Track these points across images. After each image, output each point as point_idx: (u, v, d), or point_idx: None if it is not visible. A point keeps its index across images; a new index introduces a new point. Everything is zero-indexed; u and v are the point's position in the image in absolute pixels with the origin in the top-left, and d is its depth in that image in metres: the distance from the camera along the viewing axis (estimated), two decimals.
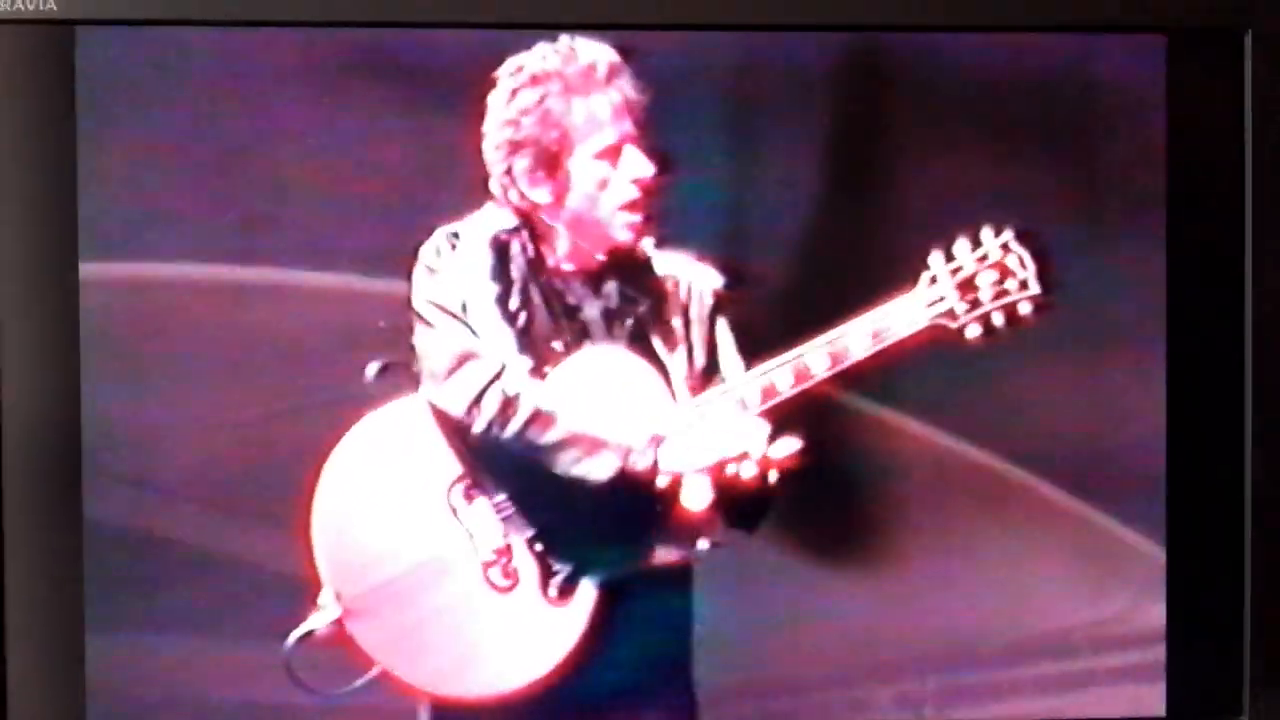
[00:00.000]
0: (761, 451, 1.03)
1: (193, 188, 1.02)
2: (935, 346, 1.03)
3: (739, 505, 1.04)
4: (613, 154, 1.03)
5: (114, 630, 1.02)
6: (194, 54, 1.02)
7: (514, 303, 1.04)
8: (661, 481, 1.03)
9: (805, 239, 1.04)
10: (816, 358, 1.02)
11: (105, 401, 1.01)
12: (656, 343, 1.05)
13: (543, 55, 1.02)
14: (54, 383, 1.01)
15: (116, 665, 1.02)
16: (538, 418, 1.03)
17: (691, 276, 1.04)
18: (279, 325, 1.02)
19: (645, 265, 1.04)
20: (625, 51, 1.02)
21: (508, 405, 1.03)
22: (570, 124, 1.02)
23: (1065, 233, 1.05)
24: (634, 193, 1.03)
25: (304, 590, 1.03)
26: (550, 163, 1.02)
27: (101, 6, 1.01)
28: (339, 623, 1.03)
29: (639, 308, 1.05)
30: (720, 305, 1.05)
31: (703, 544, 1.04)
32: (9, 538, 1.01)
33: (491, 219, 1.03)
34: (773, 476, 1.04)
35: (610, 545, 1.05)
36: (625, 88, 1.02)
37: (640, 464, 1.03)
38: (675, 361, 1.05)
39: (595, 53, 1.02)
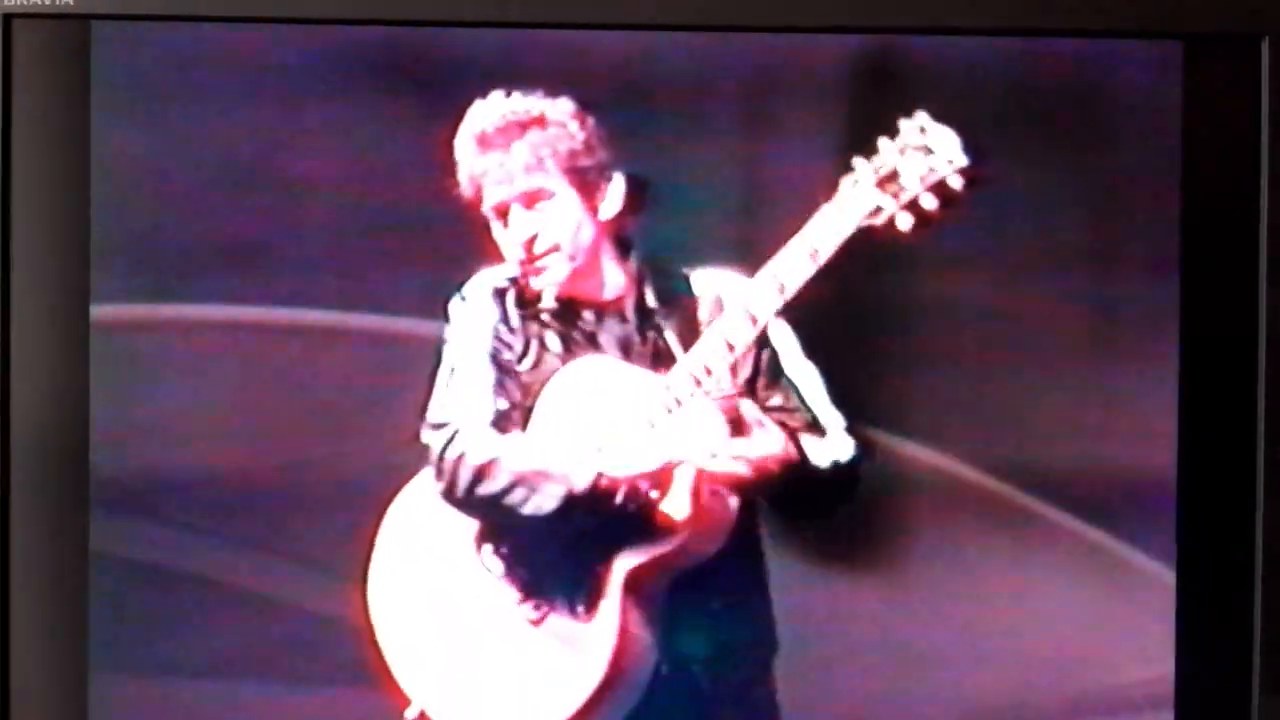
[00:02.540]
0: (715, 450, 1.03)
1: (207, 198, 1.02)
2: (873, 250, 1.01)
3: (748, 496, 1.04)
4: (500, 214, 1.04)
5: (118, 669, 1.03)
6: (213, 51, 1.02)
7: (514, 350, 1.05)
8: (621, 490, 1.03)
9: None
10: (762, 297, 1.01)
11: (116, 429, 1.02)
12: (676, 352, 1.05)
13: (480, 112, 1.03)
14: (63, 406, 1.02)
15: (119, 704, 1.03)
16: (483, 471, 1.04)
17: (734, 291, 1.04)
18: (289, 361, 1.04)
19: (675, 284, 1.05)
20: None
21: (456, 466, 1.04)
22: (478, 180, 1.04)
23: (1078, 238, 1.04)
24: (521, 252, 1.04)
25: (329, 633, 1.04)
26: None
27: (118, 2, 1.01)
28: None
29: (660, 329, 1.05)
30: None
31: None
32: (15, 571, 1.02)
33: (493, 271, 1.05)
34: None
35: (620, 550, 1.04)
36: (533, 141, 1.03)
37: (580, 483, 1.03)
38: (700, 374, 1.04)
39: (507, 105, 1.03)
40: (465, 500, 1.04)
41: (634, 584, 1.04)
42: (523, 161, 1.03)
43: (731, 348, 1.03)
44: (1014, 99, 1.04)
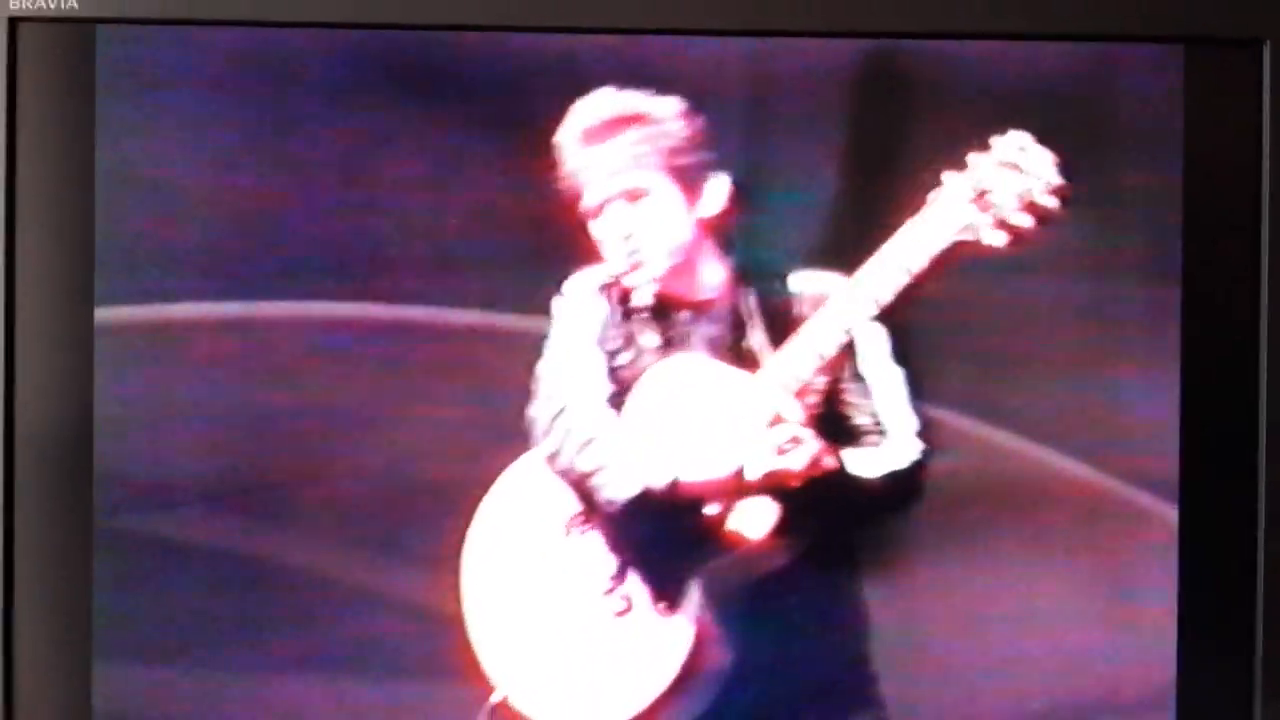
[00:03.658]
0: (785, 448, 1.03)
1: (211, 201, 1.03)
2: (964, 265, 1.01)
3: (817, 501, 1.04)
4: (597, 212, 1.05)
5: (122, 658, 1.03)
6: (217, 54, 1.03)
7: (612, 340, 1.06)
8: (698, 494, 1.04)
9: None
10: (854, 308, 1.01)
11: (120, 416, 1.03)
12: (765, 356, 1.04)
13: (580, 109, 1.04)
14: (68, 391, 1.02)
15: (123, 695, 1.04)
16: (585, 445, 1.05)
17: (829, 296, 1.03)
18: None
19: (772, 285, 1.05)
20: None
21: (566, 437, 1.05)
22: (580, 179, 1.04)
23: (1079, 241, 1.04)
24: (619, 248, 1.04)
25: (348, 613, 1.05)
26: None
27: (124, 5, 1.02)
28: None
29: (755, 326, 1.05)
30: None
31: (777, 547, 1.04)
32: (19, 567, 1.02)
33: (594, 271, 1.05)
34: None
35: (701, 551, 1.04)
36: (636, 137, 1.03)
37: (657, 480, 1.03)
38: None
39: (606, 104, 1.03)
40: (567, 473, 1.05)
41: (714, 585, 1.04)
42: (624, 157, 1.04)
43: (822, 357, 1.03)
44: (1016, 102, 1.04)
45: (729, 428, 1.03)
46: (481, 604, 1.06)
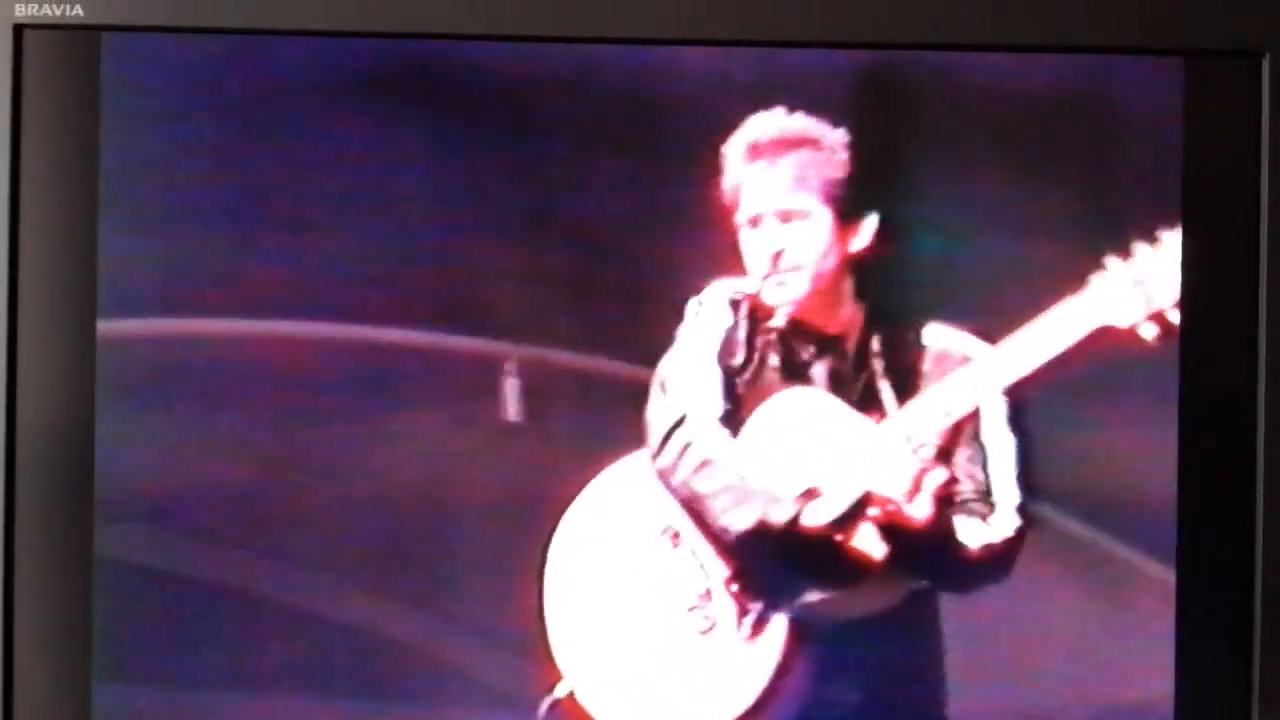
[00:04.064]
0: (906, 493, 1.04)
1: (219, 212, 1.03)
2: (1107, 350, 1.03)
3: (919, 554, 1.05)
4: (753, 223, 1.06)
5: (122, 680, 1.03)
6: (225, 63, 1.03)
7: (736, 355, 1.06)
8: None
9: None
10: (992, 374, 1.03)
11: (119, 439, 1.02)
12: (887, 401, 1.05)
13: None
14: (70, 418, 1.02)
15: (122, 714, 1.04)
16: (703, 466, 1.06)
17: (964, 351, 1.05)
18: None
19: (903, 330, 1.06)
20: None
21: (683, 452, 1.06)
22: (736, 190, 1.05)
23: (1079, 254, 1.04)
24: (765, 265, 1.06)
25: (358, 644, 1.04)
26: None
27: (130, 12, 1.02)
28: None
29: (879, 371, 1.06)
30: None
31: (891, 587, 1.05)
32: (19, 582, 1.02)
33: (733, 283, 1.06)
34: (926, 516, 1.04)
35: (798, 584, 1.06)
36: (802, 160, 1.05)
37: (777, 517, 1.05)
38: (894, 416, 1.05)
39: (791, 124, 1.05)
40: (678, 488, 1.06)
41: (803, 621, 1.06)
42: (788, 177, 1.05)
43: (949, 415, 1.04)
44: (1015, 115, 1.04)
45: (852, 472, 1.04)
46: (559, 600, 1.06)
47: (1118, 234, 1.05)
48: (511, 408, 1.05)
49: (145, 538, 1.03)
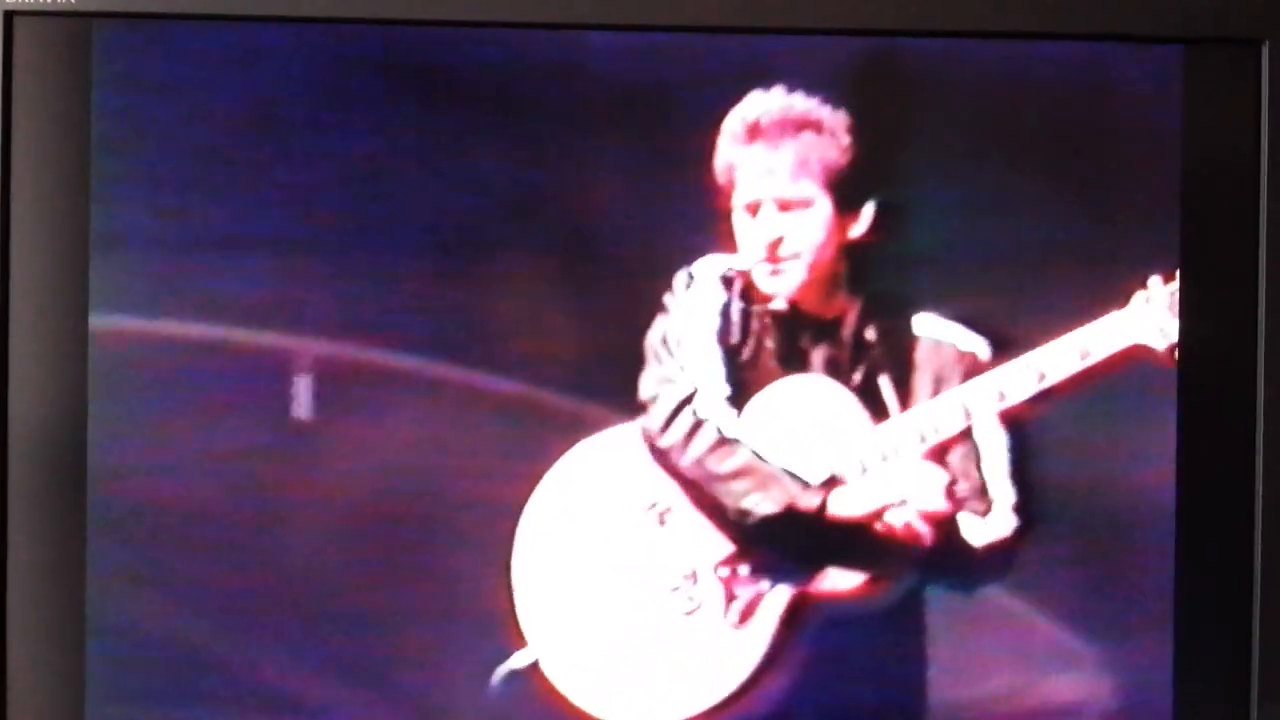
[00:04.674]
0: (928, 499, 1.04)
1: (211, 202, 1.02)
2: (1135, 367, 1.04)
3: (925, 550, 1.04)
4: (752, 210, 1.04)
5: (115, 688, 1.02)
6: (217, 50, 1.02)
7: (734, 337, 1.05)
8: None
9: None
10: (1019, 379, 1.03)
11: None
12: (885, 391, 1.05)
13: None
14: (62, 416, 1.02)
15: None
16: (720, 445, 1.04)
17: (955, 342, 1.04)
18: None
19: (897, 319, 1.05)
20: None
21: (694, 430, 1.04)
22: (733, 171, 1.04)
23: (1075, 242, 1.04)
24: (762, 252, 1.04)
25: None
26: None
27: None
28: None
29: (871, 356, 1.05)
30: (977, 368, 1.04)
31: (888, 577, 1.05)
32: (12, 585, 1.02)
33: (723, 259, 1.04)
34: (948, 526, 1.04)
35: (794, 572, 1.05)
36: (804, 144, 1.03)
37: (806, 504, 1.03)
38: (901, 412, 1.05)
39: (787, 102, 1.03)
40: (690, 466, 1.04)
41: (796, 612, 1.04)
42: (790, 162, 1.03)
43: (969, 415, 1.03)
44: (1014, 102, 1.04)
45: (880, 467, 1.04)
46: (530, 574, 1.04)
47: (1116, 222, 1.05)
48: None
49: (138, 533, 1.02)
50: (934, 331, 1.05)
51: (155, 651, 1.02)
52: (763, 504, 1.04)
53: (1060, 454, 1.05)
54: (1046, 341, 1.04)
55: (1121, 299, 1.04)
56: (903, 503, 1.04)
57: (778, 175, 1.03)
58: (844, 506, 1.04)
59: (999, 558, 1.05)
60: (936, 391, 1.04)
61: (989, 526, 1.05)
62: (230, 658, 1.03)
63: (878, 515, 1.04)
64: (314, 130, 1.02)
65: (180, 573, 1.02)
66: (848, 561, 1.04)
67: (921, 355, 1.04)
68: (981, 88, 1.04)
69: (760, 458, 1.04)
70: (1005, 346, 1.04)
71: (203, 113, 1.02)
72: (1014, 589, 1.05)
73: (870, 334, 1.05)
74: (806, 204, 1.04)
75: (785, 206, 1.04)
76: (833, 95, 1.03)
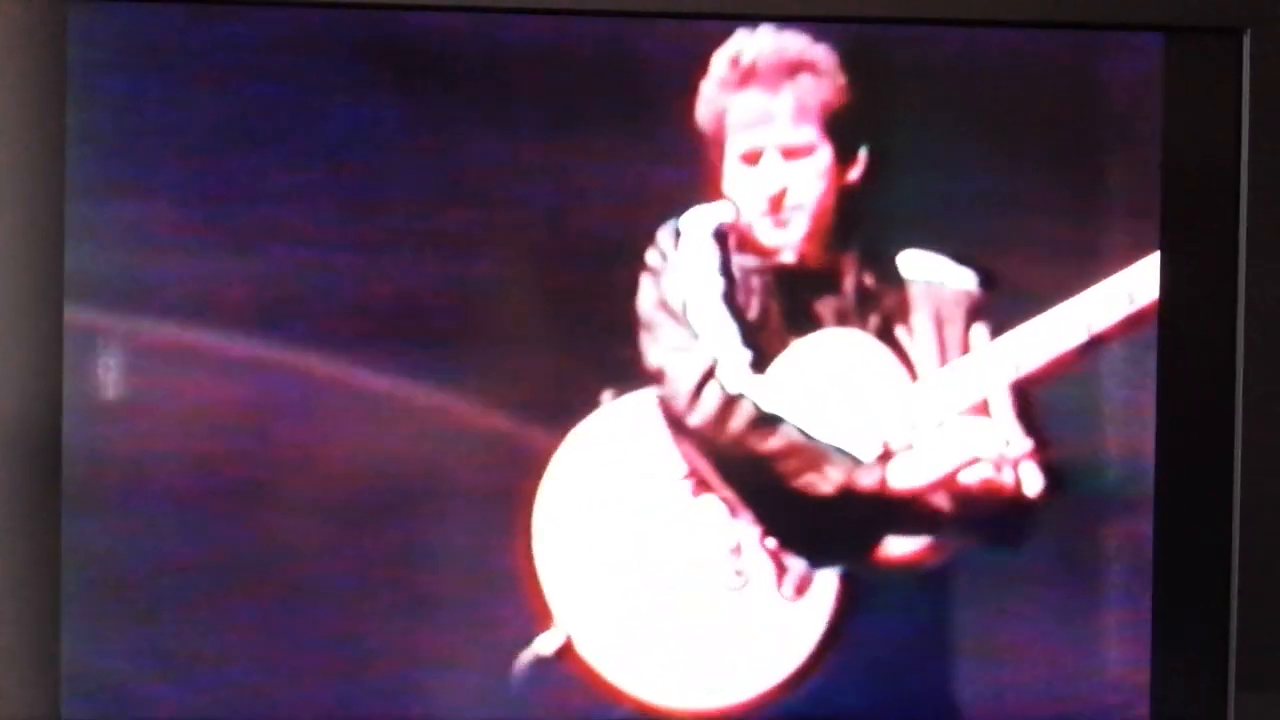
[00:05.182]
0: (999, 454, 1.01)
1: (188, 188, 1.01)
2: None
3: (991, 518, 1.02)
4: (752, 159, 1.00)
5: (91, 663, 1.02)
6: (193, 34, 1.01)
7: (739, 296, 1.00)
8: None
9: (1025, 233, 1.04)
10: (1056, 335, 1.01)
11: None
12: (902, 336, 1.01)
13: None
14: (37, 406, 1.01)
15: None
16: (758, 424, 1.00)
17: (943, 277, 1.01)
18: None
19: (888, 261, 1.01)
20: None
21: (728, 406, 1.00)
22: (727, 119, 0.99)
23: (1057, 230, 1.04)
24: (764, 204, 1.00)
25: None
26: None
27: None
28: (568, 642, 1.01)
29: (880, 304, 1.01)
30: (974, 308, 1.02)
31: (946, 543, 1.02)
32: None
33: (712, 211, 1.00)
34: (1019, 482, 1.02)
35: (849, 540, 1.01)
36: (803, 87, 0.99)
37: (865, 481, 1.00)
38: (921, 358, 1.01)
39: (777, 43, 0.99)
40: (729, 444, 1.00)
41: (854, 582, 1.01)
42: (790, 106, 0.99)
43: (1018, 370, 1.01)
44: (995, 90, 1.04)
45: (934, 433, 1.01)
46: (554, 551, 1.00)
47: (1098, 207, 1.05)
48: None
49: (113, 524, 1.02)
50: (934, 274, 1.01)
51: (131, 638, 1.02)
52: (819, 484, 1.00)
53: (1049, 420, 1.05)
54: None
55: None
56: (975, 460, 1.00)
57: (779, 121, 0.99)
58: (909, 478, 1.00)
59: (1031, 516, 1.02)
60: (945, 334, 1.01)
61: (1020, 482, 1.02)
62: (208, 644, 1.02)
63: (951, 479, 1.01)
64: (293, 111, 1.01)
65: (156, 559, 1.02)
66: (903, 529, 1.01)
67: (924, 299, 1.01)
68: (962, 74, 1.04)
69: (807, 435, 1.00)
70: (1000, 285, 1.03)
71: (179, 95, 1.01)
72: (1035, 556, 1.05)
73: (870, 282, 1.00)
74: (809, 151, 1.00)
75: (790, 154, 0.99)
76: (822, 32, 1.00)
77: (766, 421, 1.00)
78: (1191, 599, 1.06)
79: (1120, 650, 1.06)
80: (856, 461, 1.00)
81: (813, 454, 1.00)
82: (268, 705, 1.01)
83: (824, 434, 1.01)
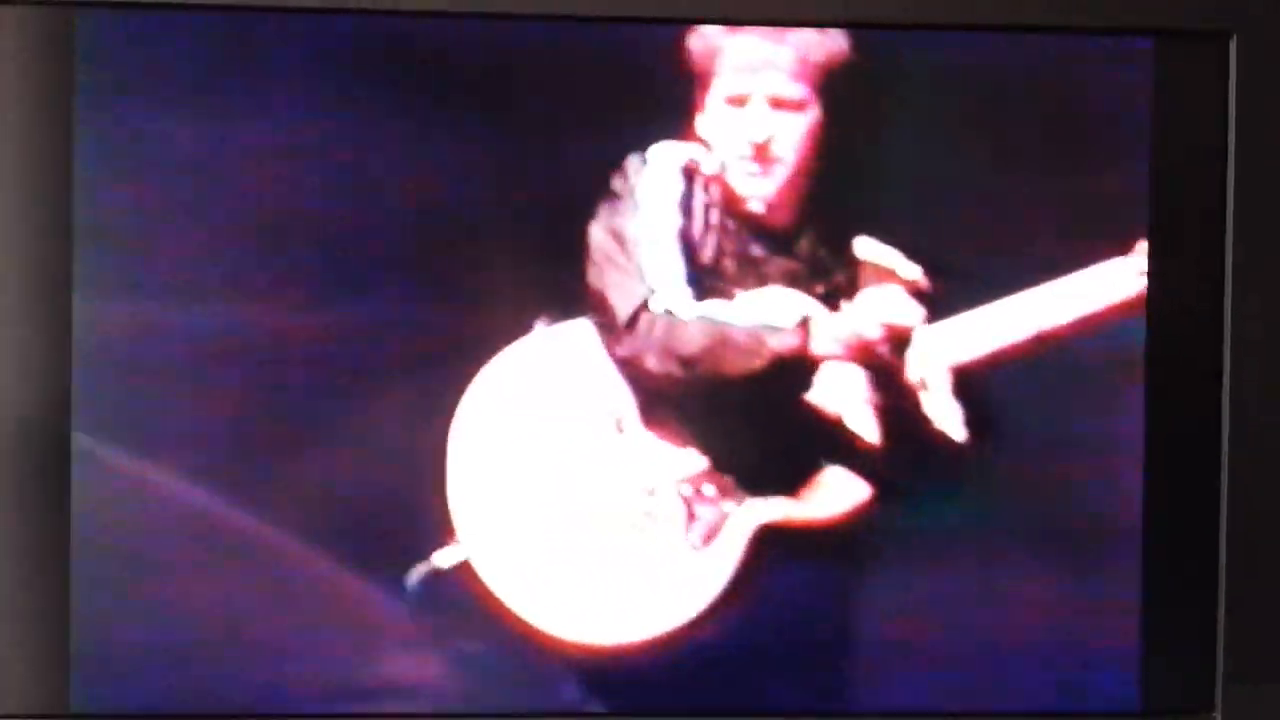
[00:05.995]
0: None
1: (194, 191, 1.01)
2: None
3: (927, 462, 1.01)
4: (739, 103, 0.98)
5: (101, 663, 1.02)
6: (200, 41, 1.02)
7: (694, 235, 0.99)
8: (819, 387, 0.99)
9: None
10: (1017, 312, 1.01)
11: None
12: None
13: None
14: (46, 402, 1.02)
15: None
16: (684, 328, 0.98)
17: (893, 266, 1.01)
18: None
19: (844, 236, 1.00)
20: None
21: (654, 324, 0.98)
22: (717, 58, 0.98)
23: (1046, 234, 1.05)
24: (746, 149, 0.98)
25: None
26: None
27: None
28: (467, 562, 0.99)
29: (830, 279, 1.00)
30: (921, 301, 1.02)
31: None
32: None
33: (683, 148, 0.98)
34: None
35: (765, 491, 1.01)
36: (814, 40, 0.98)
37: (788, 345, 0.99)
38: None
39: None
40: (652, 364, 0.99)
41: (763, 539, 1.00)
42: (791, 57, 0.98)
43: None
44: (984, 94, 1.05)
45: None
46: (467, 470, 0.99)
47: (1086, 209, 1.05)
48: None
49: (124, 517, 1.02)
50: (878, 258, 1.00)
51: (140, 634, 1.02)
52: (746, 362, 0.98)
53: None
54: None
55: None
56: (882, 327, 0.99)
57: (776, 70, 0.98)
58: (827, 342, 0.99)
59: (956, 464, 1.02)
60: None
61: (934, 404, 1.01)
62: (210, 636, 1.03)
63: (864, 346, 0.99)
64: (298, 117, 1.02)
65: (164, 556, 1.02)
66: (836, 458, 1.00)
67: (871, 279, 1.00)
68: (951, 77, 1.04)
69: (729, 323, 0.99)
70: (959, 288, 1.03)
71: (185, 101, 1.01)
72: (983, 559, 1.06)
73: (825, 252, 1.00)
74: (800, 106, 0.99)
75: (778, 104, 0.98)
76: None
77: (690, 326, 0.99)
78: (1180, 591, 1.07)
79: (1108, 642, 1.07)
80: (777, 330, 0.99)
81: (735, 337, 0.99)
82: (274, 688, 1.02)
83: (745, 318, 0.99)
